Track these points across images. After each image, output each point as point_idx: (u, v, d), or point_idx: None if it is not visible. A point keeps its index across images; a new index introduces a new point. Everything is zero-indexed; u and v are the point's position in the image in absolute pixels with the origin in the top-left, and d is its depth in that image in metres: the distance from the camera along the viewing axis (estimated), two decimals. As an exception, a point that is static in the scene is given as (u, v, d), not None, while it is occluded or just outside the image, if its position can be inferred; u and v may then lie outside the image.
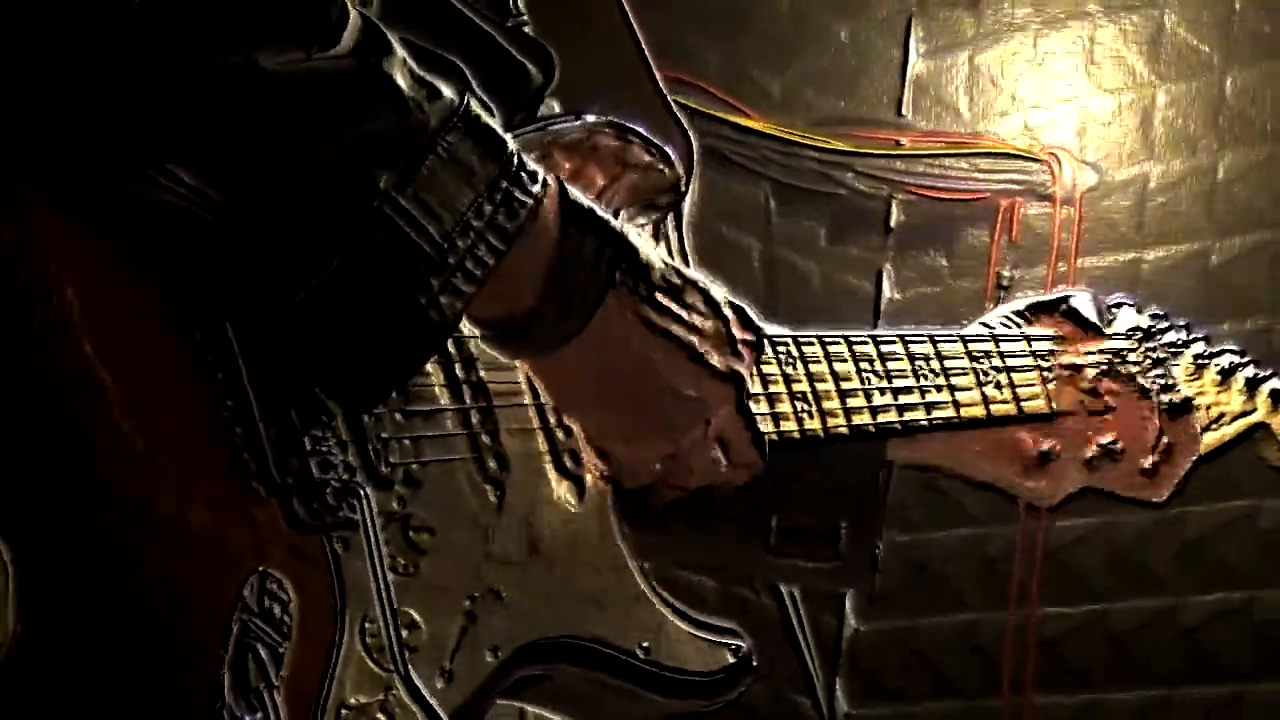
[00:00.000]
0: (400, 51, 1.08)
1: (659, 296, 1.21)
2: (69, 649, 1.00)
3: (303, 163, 1.01)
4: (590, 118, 1.30)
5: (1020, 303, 1.70)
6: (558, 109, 1.37)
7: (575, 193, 1.17)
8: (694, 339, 1.23)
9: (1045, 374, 1.58)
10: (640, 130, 1.30)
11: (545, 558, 1.22)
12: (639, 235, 1.21)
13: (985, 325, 1.65)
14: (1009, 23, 3.41)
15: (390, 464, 1.17)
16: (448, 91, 1.10)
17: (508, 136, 1.13)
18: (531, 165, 1.13)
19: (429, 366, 1.22)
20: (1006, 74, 3.40)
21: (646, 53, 1.50)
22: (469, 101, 1.11)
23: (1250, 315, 3.10)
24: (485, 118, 1.12)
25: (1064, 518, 3.09)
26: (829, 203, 3.31)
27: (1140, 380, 1.63)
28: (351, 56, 1.04)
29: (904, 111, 3.39)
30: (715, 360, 1.25)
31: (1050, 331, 1.65)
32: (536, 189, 1.12)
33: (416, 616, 1.18)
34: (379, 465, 1.17)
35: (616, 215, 1.28)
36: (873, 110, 3.39)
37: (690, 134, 1.49)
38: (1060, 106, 3.34)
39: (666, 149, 1.31)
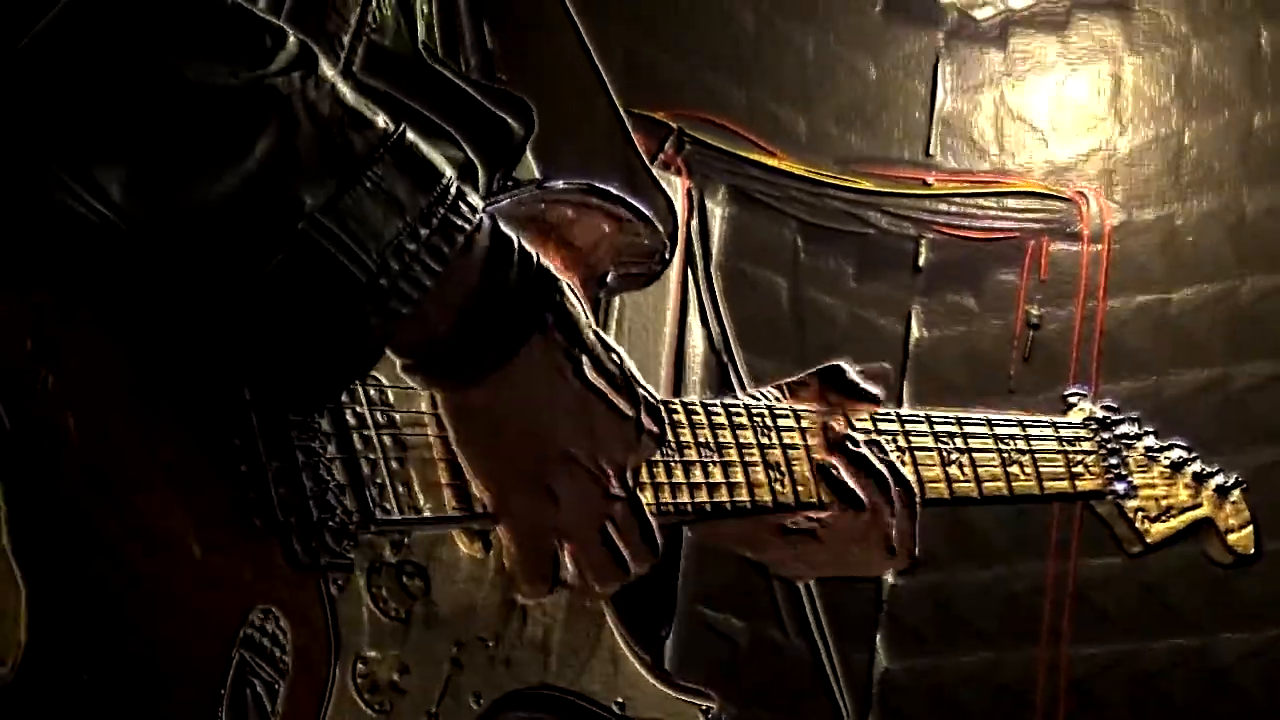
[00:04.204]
0: (330, 76, 1.09)
1: (584, 356, 1.20)
2: (73, 672, 1.03)
3: (223, 177, 1.03)
4: (566, 183, 1.30)
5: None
6: (536, 171, 1.39)
7: (510, 230, 1.16)
8: (612, 407, 1.20)
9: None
10: (622, 195, 1.31)
11: (531, 609, 1.24)
12: (571, 289, 1.21)
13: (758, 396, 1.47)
14: (1037, 62, 3.42)
15: (385, 509, 1.20)
16: (380, 121, 1.11)
17: (446, 167, 1.13)
18: (472, 198, 1.13)
19: (425, 419, 1.24)
20: (1034, 113, 3.40)
21: (621, 112, 1.51)
22: (401, 131, 1.11)
23: (1281, 353, 3.10)
24: (420, 148, 1.12)
25: (1092, 556, 3.10)
26: (857, 242, 3.33)
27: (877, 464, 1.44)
28: (276, 77, 1.06)
29: (932, 151, 3.40)
30: (617, 436, 1.21)
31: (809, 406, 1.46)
32: (475, 217, 1.12)
33: (407, 660, 1.20)
34: (374, 510, 1.19)
35: (603, 280, 1.28)
36: (900, 149, 3.41)
37: (670, 195, 1.50)
38: (1088, 145, 3.34)
39: (647, 212, 1.32)
